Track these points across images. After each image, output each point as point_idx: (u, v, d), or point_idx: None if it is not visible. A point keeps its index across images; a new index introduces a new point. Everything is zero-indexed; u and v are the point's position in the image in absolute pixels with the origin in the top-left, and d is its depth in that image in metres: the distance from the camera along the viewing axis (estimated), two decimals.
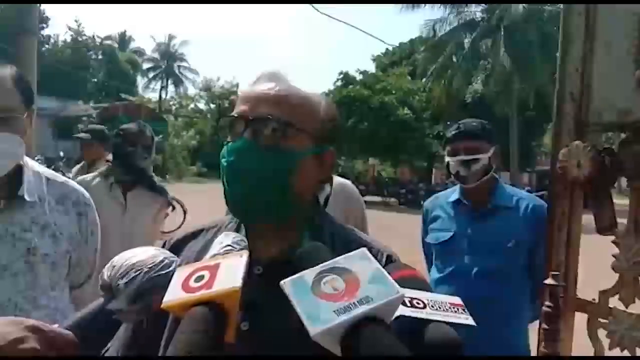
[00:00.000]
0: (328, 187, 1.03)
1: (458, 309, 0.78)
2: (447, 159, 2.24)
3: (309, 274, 0.68)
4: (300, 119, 0.91)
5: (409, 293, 0.74)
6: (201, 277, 0.73)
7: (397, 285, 0.66)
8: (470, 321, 0.76)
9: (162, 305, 0.71)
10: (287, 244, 0.91)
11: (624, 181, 1.30)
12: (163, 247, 1.04)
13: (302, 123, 0.91)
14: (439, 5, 23.65)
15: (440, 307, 0.76)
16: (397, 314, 0.69)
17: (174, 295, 0.72)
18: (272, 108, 0.90)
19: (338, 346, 0.63)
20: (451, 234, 2.22)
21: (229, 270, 0.73)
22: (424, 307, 0.75)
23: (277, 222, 0.93)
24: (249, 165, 0.89)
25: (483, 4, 24.08)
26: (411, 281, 0.79)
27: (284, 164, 0.89)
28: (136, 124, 2.83)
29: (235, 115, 0.93)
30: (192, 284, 0.72)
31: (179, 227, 2.91)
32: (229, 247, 0.83)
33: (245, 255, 0.77)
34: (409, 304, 0.73)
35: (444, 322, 0.74)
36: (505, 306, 2.07)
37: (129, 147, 2.71)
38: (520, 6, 22.07)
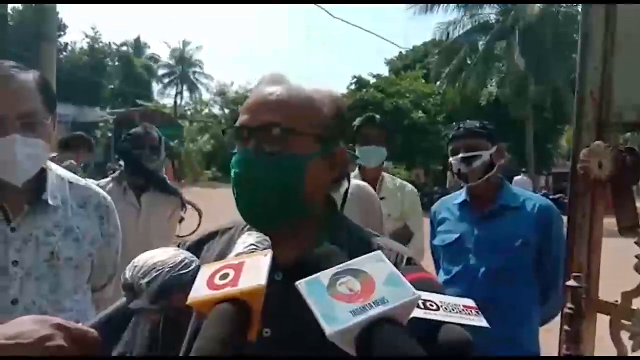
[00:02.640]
0: (345, 184, 1.02)
1: (471, 311, 0.78)
2: (449, 158, 2.27)
3: (324, 275, 0.68)
4: (303, 121, 0.90)
5: (423, 295, 0.74)
6: (226, 275, 0.73)
7: (413, 287, 0.67)
8: (483, 323, 0.76)
9: (187, 302, 0.72)
10: (306, 248, 0.89)
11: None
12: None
13: (305, 126, 0.90)
14: (453, 8, 23.56)
15: (453, 309, 0.76)
16: (410, 315, 0.69)
17: (199, 292, 0.72)
18: (273, 114, 0.90)
19: (354, 346, 0.63)
20: (457, 235, 2.24)
21: (253, 268, 0.73)
22: (437, 309, 0.75)
23: (291, 227, 0.93)
24: (254, 175, 0.90)
25: (497, 6, 23.93)
26: (425, 284, 0.80)
27: (290, 170, 0.89)
28: (142, 126, 2.86)
29: (238, 125, 0.93)
30: (217, 281, 0.73)
31: (195, 230, 2.94)
32: (253, 247, 0.83)
33: (269, 254, 0.77)
34: (422, 306, 0.74)
35: (457, 323, 0.73)
36: (513, 306, 2.07)
37: (136, 150, 2.74)
38: (536, 7, 21.88)
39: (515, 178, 15.03)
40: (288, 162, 0.89)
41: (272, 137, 0.89)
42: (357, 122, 2.88)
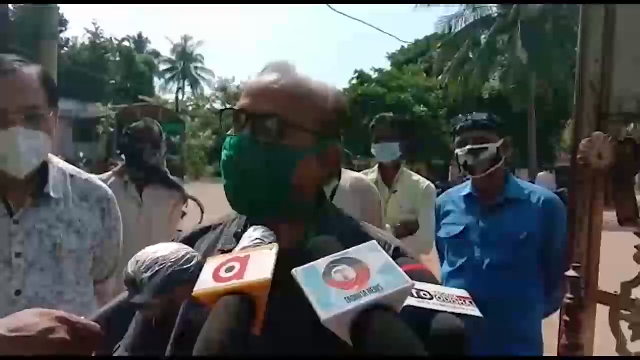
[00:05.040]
0: (335, 180, 1.01)
1: (465, 301, 0.78)
2: (455, 150, 2.27)
3: (320, 263, 0.69)
4: (302, 115, 0.88)
5: (417, 285, 0.75)
6: (232, 268, 0.74)
7: (407, 276, 0.67)
8: (476, 312, 0.76)
9: (192, 294, 0.72)
10: (295, 239, 0.90)
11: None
12: None
13: (304, 120, 0.88)
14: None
15: (447, 299, 0.77)
16: (404, 304, 0.70)
17: (205, 284, 0.73)
18: (273, 104, 0.88)
19: (348, 332, 0.64)
20: (462, 227, 2.24)
21: (259, 261, 0.74)
22: (431, 298, 0.75)
23: (276, 216, 0.91)
24: (246, 162, 0.88)
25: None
26: (419, 274, 0.80)
27: (283, 163, 0.88)
28: (143, 121, 2.87)
29: (237, 108, 0.91)
30: (222, 274, 0.73)
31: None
32: (258, 240, 0.84)
33: (275, 248, 0.77)
34: (416, 295, 0.74)
35: (451, 312, 0.74)
36: (517, 299, 2.08)
37: (137, 145, 2.75)
38: None
39: (539, 174, 15.33)
40: (280, 155, 0.87)
41: (268, 127, 0.87)
42: (372, 122, 3.09)
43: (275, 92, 0.89)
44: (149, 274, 0.88)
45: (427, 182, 3.07)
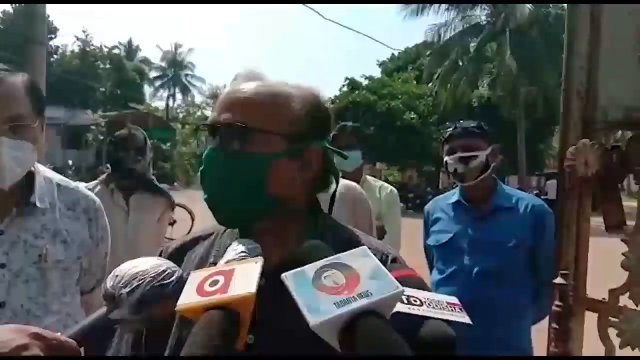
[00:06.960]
0: (332, 186, 1.00)
1: (455, 308, 0.78)
2: (445, 158, 2.26)
3: (310, 269, 0.69)
4: (265, 119, 0.89)
5: (407, 291, 0.75)
6: (216, 282, 0.73)
7: (397, 282, 0.67)
8: (466, 319, 0.77)
9: (176, 309, 0.71)
10: (288, 252, 0.88)
11: (633, 186, 1.29)
12: (160, 255, 1.02)
13: (270, 124, 0.89)
14: (444, 10, 23.71)
15: (437, 306, 0.77)
16: (394, 310, 0.69)
17: (188, 298, 0.72)
18: (236, 113, 0.89)
19: (336, 338, 0.64)
20: (451, 235, 2.24)
21: (243, 275, 0.73)
22: (421, 304, 0.75)
23: (259, 224, 0.92)
24: (216, 173, 0.90)
25: (487, 7, 24.09)
26: (410, 281, 0.80)
27: (250, 169, 0.88)
28: (126, 128, 2.87)
29: (206, 123, 0.94)
30: (206, 288, 0.72)
31: (188, 233, 2.92)
32: (244, 254, 0.83)
33: (260, 261, 0.77)
34: (406, 301, 0.74)
35: (440, 319, 0.74)
36: (506, 306, 2.08)
37: (121, 152, 2.74)
38: (526, 8, 22.05)
39: (549, 181, 15.75)
40: (247, 162, 0.88)
41: (233, 136, 0.89)
42: (334, 131, 3.08)
43: (237, 100, 0.91)
44: (127, 289, 0.86)
45: (390, 187, 3.12)
